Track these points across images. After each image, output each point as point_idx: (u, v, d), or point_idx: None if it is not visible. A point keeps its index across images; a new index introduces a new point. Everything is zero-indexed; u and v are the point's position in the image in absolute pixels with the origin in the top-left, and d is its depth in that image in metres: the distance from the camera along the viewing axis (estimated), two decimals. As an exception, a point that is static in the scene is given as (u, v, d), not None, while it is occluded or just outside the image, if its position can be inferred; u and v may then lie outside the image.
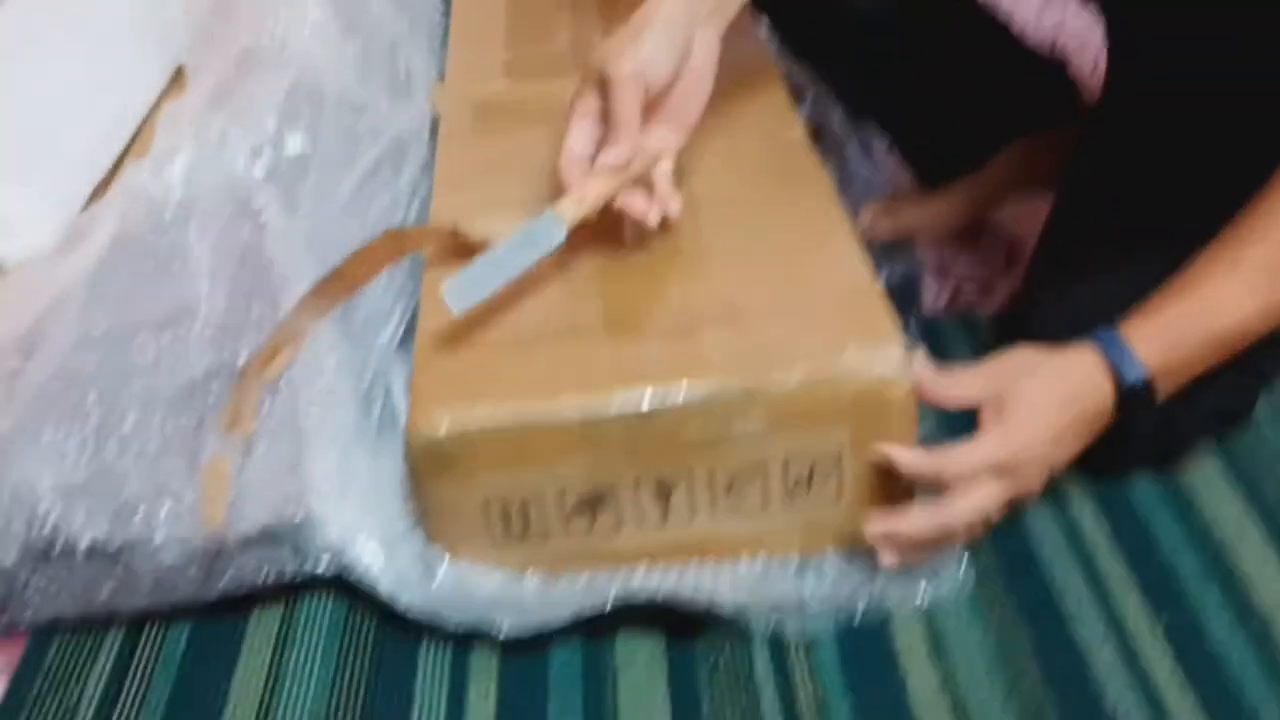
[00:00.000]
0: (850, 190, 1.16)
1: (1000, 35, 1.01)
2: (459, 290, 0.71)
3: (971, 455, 0.68)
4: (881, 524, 0.70)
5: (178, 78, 1.13)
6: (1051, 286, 0.84)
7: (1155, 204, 0.80)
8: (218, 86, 1.05)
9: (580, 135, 0.75)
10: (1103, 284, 0.80)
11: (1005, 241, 1.08)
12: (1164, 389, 0.69)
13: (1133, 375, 0.67)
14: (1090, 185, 0.85)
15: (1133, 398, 0.68)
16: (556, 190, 0.77)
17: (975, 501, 0.68)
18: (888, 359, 0.70)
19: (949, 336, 0.99)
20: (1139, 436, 0.72)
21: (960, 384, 0.70)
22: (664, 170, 0.77)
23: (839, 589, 0.75)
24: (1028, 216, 1.04)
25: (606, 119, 0.74)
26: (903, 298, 1.03)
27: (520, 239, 0.73)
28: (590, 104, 0.75)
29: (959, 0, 0.99)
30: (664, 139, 0.77)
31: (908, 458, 0.69)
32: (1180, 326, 0.68)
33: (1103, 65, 0.94)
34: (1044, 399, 0.68)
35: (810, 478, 0.73)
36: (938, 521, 0.69)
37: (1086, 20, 1.37)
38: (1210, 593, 0.74)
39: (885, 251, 1.07)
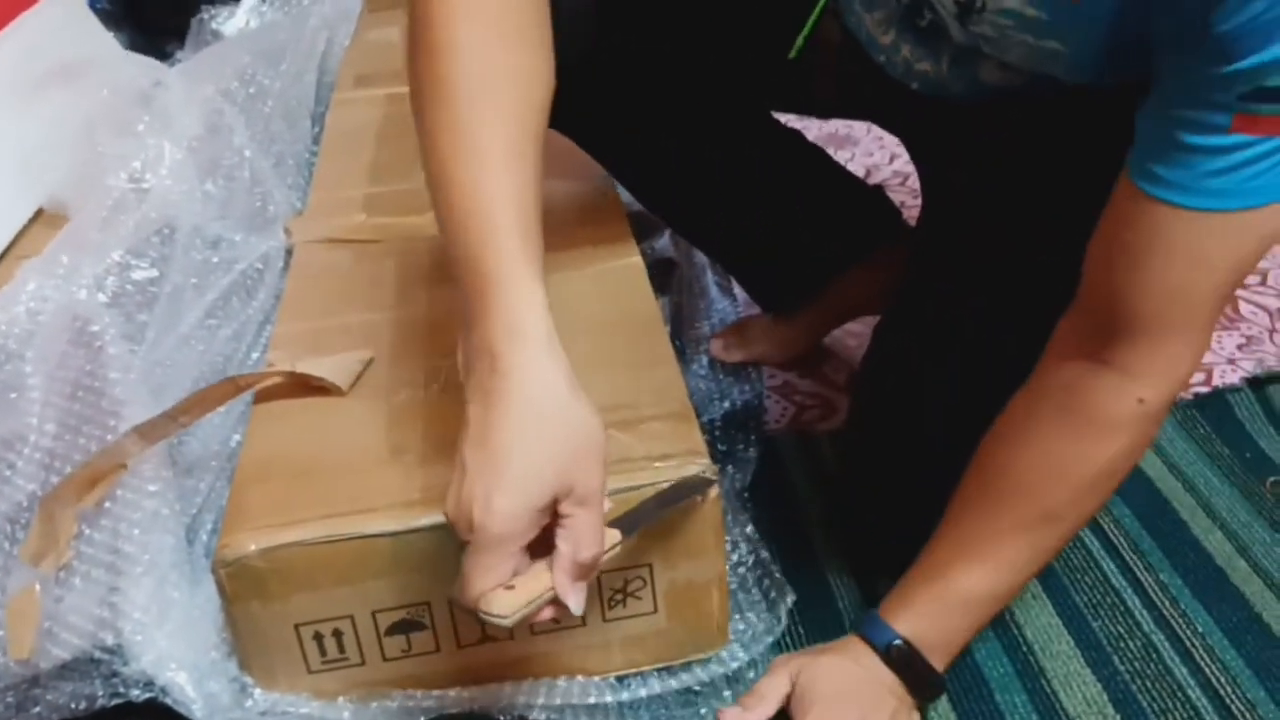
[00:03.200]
0: (707, 318, 1.20)
1: (821, 166, 1.06)
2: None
3: None
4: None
5: (39, 216, 1.15)
6: (873, 403, 0.88)
7: (967, 320, 0.84)
8: (75, 223, 1.07)
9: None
10: (919, 398, 0.83)
11: (846, 363, 1.12)
12: (935, 652, 0.72)
13: (881, 639, 0.72)
14: (907, 304, 0.89)
15: (895, 659, 0.72)
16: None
17: None
18: (693, 470, 0.72)
19: (789, 454, 1.01)
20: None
21: (764, 702, 0.72)
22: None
23: (657, 709, 0.75)
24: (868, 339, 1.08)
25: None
26: (748, 418, 1.07)
27: None
28: None
29: (782, 136, 1.04)
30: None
31: None
32: (926, 599, 0.72)
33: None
34: (833, 682, 0.72)
35: (625, 590, 0.74)
36: None
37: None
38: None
39: (734, 374, 1.11)
